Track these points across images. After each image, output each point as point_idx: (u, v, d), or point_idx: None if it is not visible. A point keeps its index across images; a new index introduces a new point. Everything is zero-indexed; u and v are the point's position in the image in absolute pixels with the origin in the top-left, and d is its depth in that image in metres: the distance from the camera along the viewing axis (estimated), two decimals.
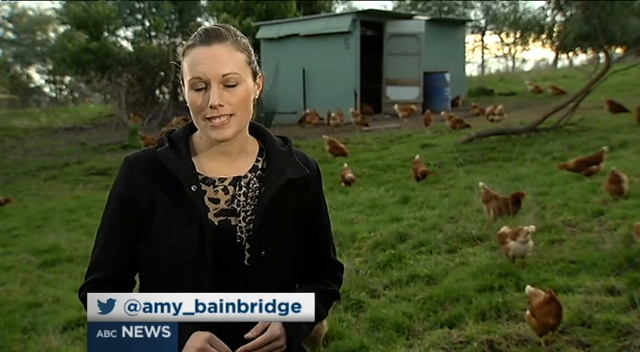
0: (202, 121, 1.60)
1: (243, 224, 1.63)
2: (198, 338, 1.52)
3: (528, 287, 4.02)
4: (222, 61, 1.59)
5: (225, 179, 1.66)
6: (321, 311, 1.72)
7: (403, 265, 5.49)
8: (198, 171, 1.64)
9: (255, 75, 1.67)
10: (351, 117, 15.90)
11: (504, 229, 5.25)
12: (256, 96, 1.68)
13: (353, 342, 4.05)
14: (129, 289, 1.69)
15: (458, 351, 3.88)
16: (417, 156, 9.48)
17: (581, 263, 4.99)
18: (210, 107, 1.57)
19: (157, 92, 24.35)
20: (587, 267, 4.87)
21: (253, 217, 1.63)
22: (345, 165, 9.75)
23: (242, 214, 1.64)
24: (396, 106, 16.67)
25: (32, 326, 4.85)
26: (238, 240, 1.62)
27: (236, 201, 1.64)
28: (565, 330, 3.86)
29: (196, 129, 1.70)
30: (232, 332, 1.56)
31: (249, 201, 1.65)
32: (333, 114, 16.40)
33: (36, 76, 43.30)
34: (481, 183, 6.61)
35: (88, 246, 7.04)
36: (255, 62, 1.68)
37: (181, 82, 1.67)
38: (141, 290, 1.69)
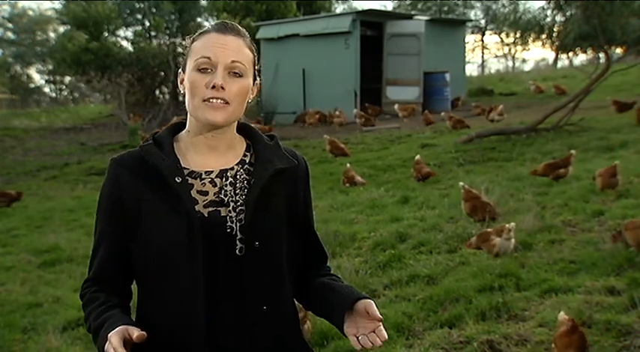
0: (199, 102, 1.60)
1: (233, 214, 1.63)
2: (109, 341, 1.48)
3: (561, 314, 3.59)
4: (234, 49, 1.62)
5: (212, 172, 1.66)
6: None
7: (403, 265, 5.49)
8: (183, 165, 1.65)
9: (255, 78, 1.70)
10: (356, 119, 15.91)
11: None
12: (250, 100, 1.69)
13: None
14: (115, 289, 1.68)
15: (458, 351, 3.88)
16: (418, 157, 9.46)
17: (581, 263, 4.99)
18: (213, 87, 1.58)
19: (157, 92, 24.36)
20: (587, 267, 4.87)
21: (244, 208, 1.63)
22: (348, 165, 9.75)
23: (231, 204, 1.64)
24: (396, 106, 16.68)
25: (32, 326, 4.85)
26: (229, 230, 1.62)
27: (223, 191, 1.65)
28: None
29: (182, 129, 1.71)
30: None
31: (237, 191, 1.65)
32: (337, 112, 16.40)
33: (36, 76, 43.36)
34: (461, 183, 6.63)
35: (88, 246, 7.01)
36: (257, 68, 1.71)
37: (182, 69, 1.69)
38: (137, 287, 1.69)
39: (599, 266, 4.83)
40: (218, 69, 1.60)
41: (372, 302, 1.59)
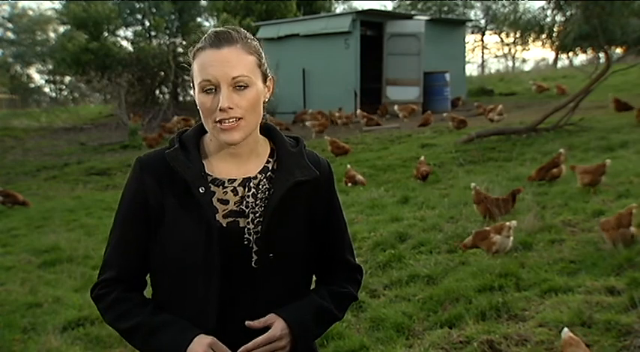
0: (212, 124, 1.60)
1: (251, 226, 1.63)
2: (200, 342, 1.53)
3: (566, 331, 3.37)
4: (232, 63, 1.58)
5: (235, 180, 1.65)
6: (335, 314, 1.73)
7: (403, 265, 5.49)
8: (207, 172, 1.64)
9: (265, 77, 1.67)
10: (360, 119, 15.92)
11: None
12: (266, 99, 1.67)
13: (353, 342, 4.05)
14: (139, 289, 1.69)
15: (458, 351, 3.87)
16: (423, 158, 9.46)
17: (581, 263, 4.99)
18: (220, 110, 1.57)
19: (157, 92, 24.35)
20: (587, 267, 4.87)
21: (262, 219, 1.62)
22: (349, 165, 9.76)
23: (251, 215, 1.63)
24: (396, 106, 16.69)
25: (32, 326, 4.84)
26: (246, 242, 1.62)
27: (245, 202, 1.64)
28: None
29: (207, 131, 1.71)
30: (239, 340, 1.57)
31: (258, 202, 1.64)
32: (338, 114, 16.44)
33: (36, 76, 43.38)
34: (473, 184, 6.62)
35: (88, 246, 7.04)
36: (266, 65, 1.68)
37: (192, 85, 1.68)
38: (152, 291, 1.69)
39: (599, 266, 4.82)
40: (222, 89, 1.57)
41: (275, 323, 1.59)
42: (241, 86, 1.59)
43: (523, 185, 7.78)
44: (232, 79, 1.57)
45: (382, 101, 18.58)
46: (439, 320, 4.29)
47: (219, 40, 1.60)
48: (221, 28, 1.66)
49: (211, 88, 1.58)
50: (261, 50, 1.67)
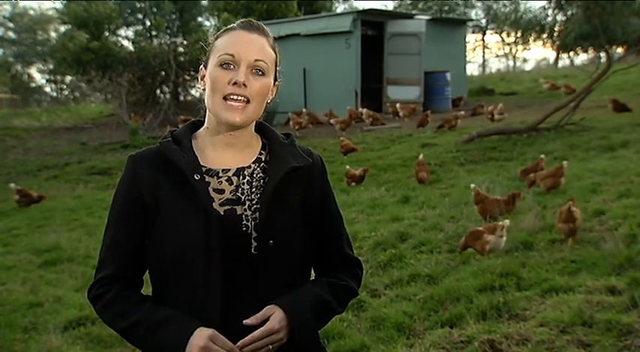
0: (219, 100, 1.61)
1: (248, 212, 1.63)
2: (200, 335, 1.53)
3: None
4: (258, 47, 1.63)
5: (229, 170, 1.67)
6: (335, 307, 1.72)
7: (404, 265, 5.49)
8: (201, 163, 1.65)
9: (275, 79, 1.70)
10: (366, 118, 15.92)
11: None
12: (269, 100, 1.69)
13: (354, 342, 4.05)
14: (136, 287, 1.69)
15: (459, 351, 3.87)
16: (421, 157, 9.44)
17: (582, 262, 4.99)
18: (234, 83, 1.59)
19: (158, 92, 24.35)
20: (587, 267, 4.87)
21: (259, 206, 1.63)
22: (348, 166, 9.78)
23: (247, 203, 1.64)
24: (398, 105, 16.68)
25: (33, 325, 4.84)
26: (244, 229, 1.62)
27: (240, 190, 1.65)
28: (566, 330, 3.86)
29: (199, 127, 1.72)
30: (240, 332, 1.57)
31: (253, 190, 1.66)
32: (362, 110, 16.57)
33: (37, 76, 43.50)
34: (472, 185, 6.63)
35: (88, 245, 7.03)
36: (279, 69, 1.71)
37: (203, 65, 1.69)
38: (152, 285, 1.69)
39: (599, 266, 4.82)
40: (241, 66, 1.60)
41: (273, 314, 1.58)
42: (259, 70, 1.62)
43: (524, 184, 7.78)
44: (255, 60, 1.61)
45: (383, 101, 18.58)
46: (440, 319, 4.29)
47: (252, 26, 1.66)
48: (254, 20, 1.71)
49: (231, 63, 1.61)
50: (278, 55, 1.71)
